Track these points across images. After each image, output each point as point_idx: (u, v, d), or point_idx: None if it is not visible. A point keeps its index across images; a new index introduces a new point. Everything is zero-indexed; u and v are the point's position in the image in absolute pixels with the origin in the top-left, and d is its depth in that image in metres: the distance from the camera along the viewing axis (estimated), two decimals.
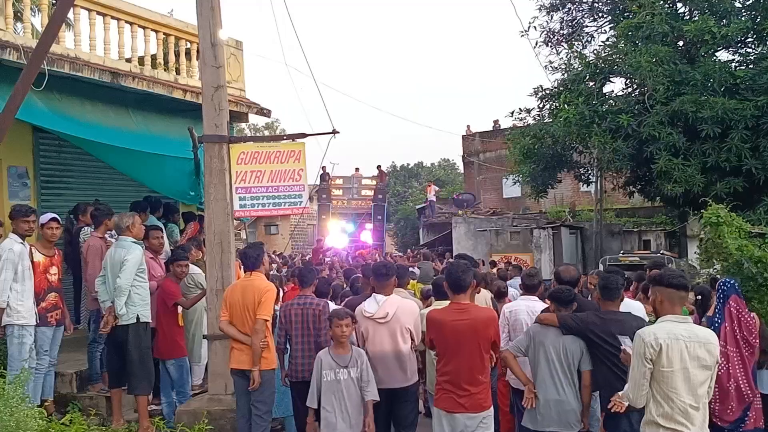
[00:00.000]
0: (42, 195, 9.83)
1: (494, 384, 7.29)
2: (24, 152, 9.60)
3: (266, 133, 55.55)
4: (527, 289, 6.60)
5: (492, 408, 5.36)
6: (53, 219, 6.97)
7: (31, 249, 6.68)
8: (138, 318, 6.67)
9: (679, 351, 4.12)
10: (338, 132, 7.21)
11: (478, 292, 7.19)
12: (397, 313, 5.92)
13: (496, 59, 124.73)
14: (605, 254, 19.48)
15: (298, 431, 6.50)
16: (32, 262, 6.63)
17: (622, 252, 18.30)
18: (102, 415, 7.17)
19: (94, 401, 7.37)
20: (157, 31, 10.81)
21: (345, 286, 8.75)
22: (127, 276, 6.57)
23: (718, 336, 6.79)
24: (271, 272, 11.43)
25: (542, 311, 5.80)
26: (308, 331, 6.37)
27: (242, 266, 6.40)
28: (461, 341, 5.17)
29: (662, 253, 16.75)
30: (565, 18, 21.44)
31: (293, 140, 7.44)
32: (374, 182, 28.15)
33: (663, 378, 4.13)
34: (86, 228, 8.13)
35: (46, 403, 6.77)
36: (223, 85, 7.18)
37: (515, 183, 23.47)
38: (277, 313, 6.83)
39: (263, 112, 12.56)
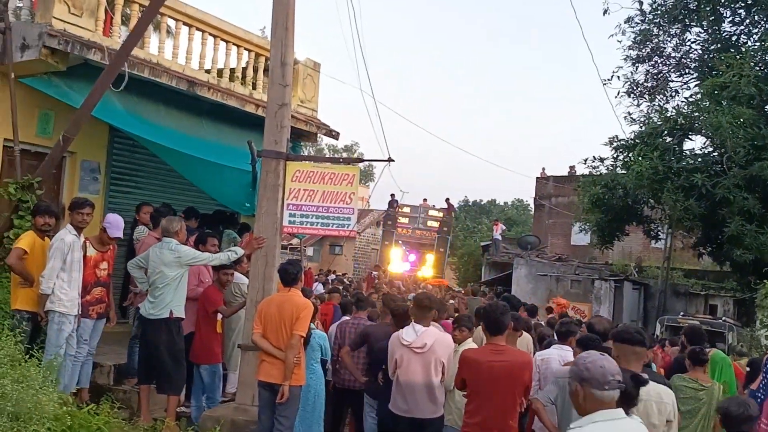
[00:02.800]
0: (110, 191, 10.21)
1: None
2: (98, 148, 10.01)
3: (344, 154, 56.25)
4: (560, 337, 6.51)
5: None
6: (117, 237, 7.29)
7: (85, 242, 6.95)
8: (171, 312, 6.84)
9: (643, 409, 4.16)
10: (393, 160, 7.30)
11: (519, 335, 7.15)
12: (434, 345, 5.96)
13: (581, 103, 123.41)
14: (667, 314, 18.92)
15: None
16: (84, 255, 6.90)
17: (682, 314, 17.75)
18: (133, 409, 7.34)
19: (127, 395, 7.56)
20: (238, 46, 11.15)
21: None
22: (203, 257, 7.15)
23: (760, 411, 6.57)
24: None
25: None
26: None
27: (281, 281, 6.50)
28: (497, 383, 5.10)
29: (724, 320, 16.15)
30: (650, 71, 21.19)
31: (348, 164, 7.55)
32: (441, 214, 28.13)
33: None
34: (141, 227, 8.42)
35: (81, 391, 7.00)
36: (287, 103, 7.34)
37: (581, 231, 23.11)
38: (313, 330, 7.07)
39: (332, 133, 12.77)
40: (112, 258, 7.37)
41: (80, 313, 6.82)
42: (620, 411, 3.21)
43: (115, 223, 7.22)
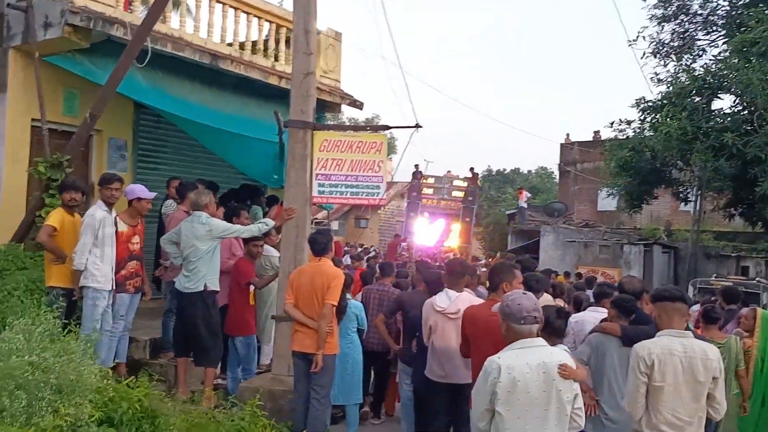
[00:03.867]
0: (138, 167, 10.24)
1: None
2: (125, 125, 10.02)
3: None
4: (595, 299, 6.45)
5: None
6: (139, 198, 7.23)
7: (116, 218, 6.96)
8: (206, 286, 6.87)
9: (673, 366, 4.18)
10: (421, 126, 7.18)
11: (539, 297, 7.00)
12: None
13: (603, 65, 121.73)
14: (699, 277, 18.72)
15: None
16: (116, 231, 6.90)
17: (714, 276, 17.54)
18: (170, 382, 7.39)
19: (164, 368, 7.60)
20: (260, 18, 11.07)
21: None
22: (234, 229, 7.13)
23: None
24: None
25: (602, 320, 5.69)
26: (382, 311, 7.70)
27: (311, 251, 6.48)
28: (492, 335, 5.07)
29: (758, 281, 15.93)
30: (676, 30, 20.78)
31: (376, 132, 7.47)
32: (466, 184, 27.88)
33: (654, 391, 4.21)
34: (169, 201, 8.44)
35: (119, 366, 7.07)
36: (313, 72, 7.27)
37: (609, 195, 22.84)
38: (348, 300, 7.19)
39: (356, 103, 12.69)
40: (142, 232, 7.39)
41: (116, 288, 6.87)
42: (539, 340, 3.82)
43: (139, 189, 7.28)
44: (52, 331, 4.58)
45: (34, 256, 7.73)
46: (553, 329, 4.47)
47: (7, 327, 4.34)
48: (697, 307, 8.87)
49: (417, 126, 7.24)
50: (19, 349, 4.07)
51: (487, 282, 5.87)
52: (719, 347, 6.22)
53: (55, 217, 6.84)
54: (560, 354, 3.87)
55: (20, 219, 8.16)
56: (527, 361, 3.69)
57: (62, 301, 6.08)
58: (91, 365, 4.24)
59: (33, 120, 8.58)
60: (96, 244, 6.59)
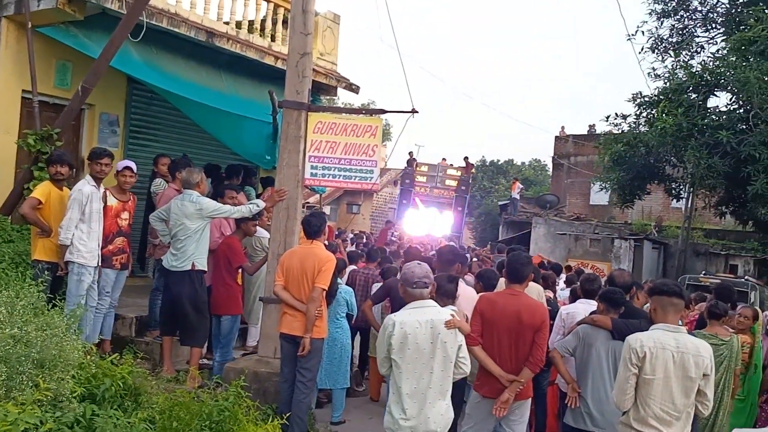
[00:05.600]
0: (129, 143, 10.13)
1: (544, 387, 7.16)
2: (117, 101, 9.90)
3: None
4: (586, 294, 6.42)
5: (529, 399, 5.37)
6: (127, 167, 7.13)
7: (105, 192, 6.87)
8: (193, 265, 6.80)
9: (664, 361, 4.21)
10: (417, 111, 7.12)
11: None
12: (459, 299, 5.86)
13: (601, 59, 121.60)
14: (687, 273, 18.77)
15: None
16: (105, 205, 6.83)
17: (704, 273, 17.57)
18: (155, 360, 7.35)
19: (149, 347, 7.56)
20: None
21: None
22: (224, 209, 7.06)
23: None
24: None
25: (591, 312, 5.67)
26: (366, 292, 8.18)
27: (304, 233, 6.40)
28: (507, 320, 5.07)
29: (746, 279, 15.98)
30: (675, 26, 20.71)
31: (371, 115, 7.39)
32: (459, 173, 27.73)
33: (644, 384, 4.25)
34: (159, 179, 8.34)
35: (104, 343, 7.02)
36: (309, 52, 7.18)
37: (601, 189, 22.85)
38: (339, 284, 7.18)
39: (352, 87, 12.58)
40: (132, 209, 7.30)
41: (101, 264, 6.79)
42: (429, 301, 4.50)
43: (122, 162, 7.25)
44: (36, 305, 4.51)
45: (21, 229, 7.65)
46: (445, 291, 5.14)
47: None
48: None
49: (413, 111, 7.17)
50: (1, 321, 4.00)
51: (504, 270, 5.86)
52: (723, 344, 6.25)
53: (41, 190, 6.75)
54: (447, 312, 4.56)
55: (8, 191, 8.06)
56: (417, 318, 4.36)
57: (47, 275, 5.99)
58: (74, 341, 4.16)
59: (24, 91, 8.48)
60: (83, 219, 6.51)
